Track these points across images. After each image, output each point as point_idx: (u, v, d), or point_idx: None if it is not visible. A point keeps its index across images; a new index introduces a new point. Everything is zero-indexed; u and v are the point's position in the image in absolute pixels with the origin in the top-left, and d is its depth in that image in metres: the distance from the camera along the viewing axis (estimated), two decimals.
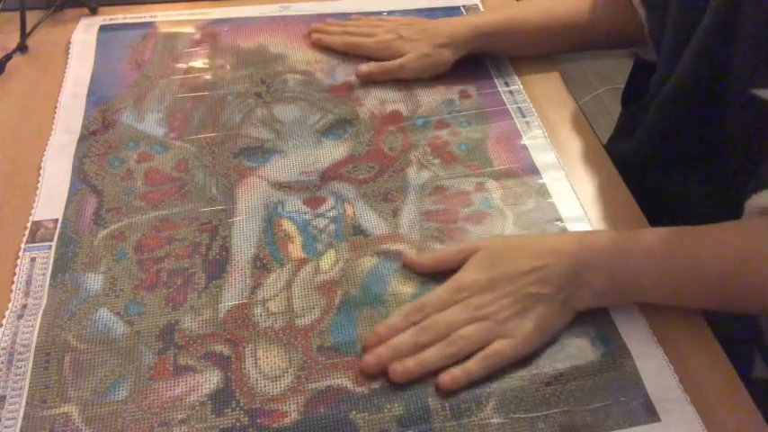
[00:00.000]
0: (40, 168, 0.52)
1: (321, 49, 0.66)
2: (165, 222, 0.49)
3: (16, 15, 0.64)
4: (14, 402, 0.39)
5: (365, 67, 0.62)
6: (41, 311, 0.43)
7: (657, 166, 0.59)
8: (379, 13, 0.71)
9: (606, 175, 0.56)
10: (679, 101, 0.53)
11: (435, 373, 0.41)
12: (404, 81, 0.63)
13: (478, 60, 0.66)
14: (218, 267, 0.47)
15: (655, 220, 0.51)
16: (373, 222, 0.50)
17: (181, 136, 0.56)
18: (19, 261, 0.46)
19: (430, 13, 0.71)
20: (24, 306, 0.44)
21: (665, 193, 0.59)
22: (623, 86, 0.80)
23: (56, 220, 0.49)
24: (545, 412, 0.40)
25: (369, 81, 0.62)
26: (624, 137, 0.64)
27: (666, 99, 0.54)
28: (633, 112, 0.62)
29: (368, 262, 0.47)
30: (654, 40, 0.58)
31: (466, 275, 0.44)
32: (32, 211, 0.49)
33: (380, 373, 0.41)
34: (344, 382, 0.41)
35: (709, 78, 0.50)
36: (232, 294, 0.45)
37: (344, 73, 0.63)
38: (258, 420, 0.39)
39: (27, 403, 0.39)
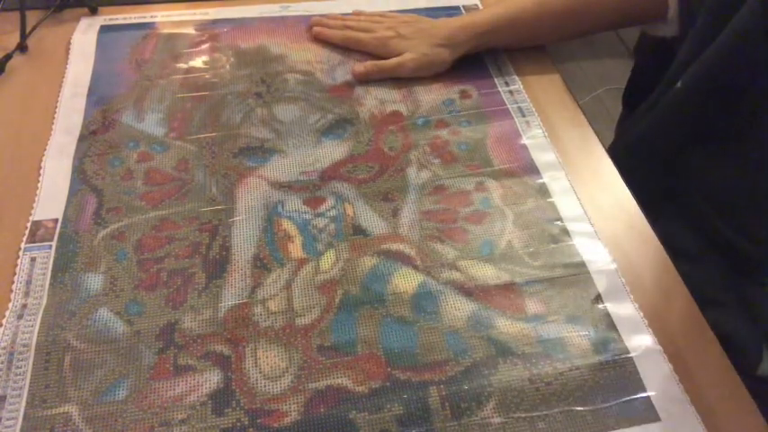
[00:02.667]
0: (40, 168, 0.52)
1: (321, 48, 0.66)
2: (165, 222, 0.49)
3: (16, 15, 0.64)
4: (14, 402, 0.39)
5: (361, 67, 0.62)
6: (41, 311, 0.43)
7: (689, 145, 0.58)
8: None
9: (606, 174, 0.56)
10: (718, 74, 0.52)
11: (435, 370, 0.41)
12: (403, 81, 0.63)
13: (478, 60, 0.66)
14: (218, 267, 0.47)
15: (660, 211, 0.51)
16: (373, 222, 0.50)
17: (181, 136, 0.56)
18: (19, 261, 0.46)
19: (430, 12, 0.71)
20: (24, 306, 0.44)
21: (694, 175, 0.58)
22: (623, 86, 0.81)
23: (56, 220, 0.49)
24: (545, 412, 0.40)
25: (366, 81, 0.62)
26: (629, 132, 0.64)
27: (702, 74, 0.53)
28: (661, 90, 0.60)
29: (368, 261, 0.47)
30: (683, 13, 0.57)
31: None
32: (32, 211, 0.49)
33: None
34: (344, 381, 0.41)
35: (754, 51, 0.48)
36: (232, 294, 0.45)
37: (344, 73, 0.63)
38: (258, 420, 0.39)
39: (27, 403, 0.39)
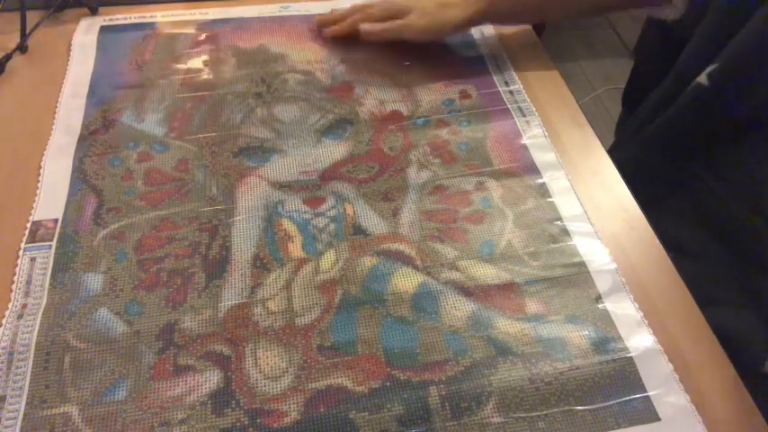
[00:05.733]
0: (40, 168, 0.52)
1: (321, 48, 0.66)
2: (165, 222, 0.49)
3: (16, 15, 0.64)
4: (14, 402, 0.39)
5: (368, 26, 0.61)
6: (41, 311, 0.43)
7: (715, 137, 0.57)
8: None
9: (606, 174, 0.56)
10: (749, 68, 0.51)
11: (435, 370, 0.41)
12: (403, 81, 0.63)
13: (478, 60, 0.66)
14: (218, 267, 0.47)
15: (664, 208, 0.50)
16: (373, 222, 0.50)
17: (181, 136, 0.56)
18: (19, 261, 0.46)
19: None
20: (24, 306, 0.44)
21: (716, 164, 0.57)
22: (623, 86, 0.81)
23: (56, 220, 0.49)
24: (545, 412, 0.40)
25: (370, 40, 0.61)
26: (628, 134, 0.64)
27: (730, 69, 0.52)
28: (675, 85, 0.60)
29: (368, 261, 0.47)
30: None
31: None
32: (32, 211, 0.49)
33: None
34: (344, 381, 0.41)
35: None
36: (232, 294, 0.45)
37: (344, 73, 0.63)
38: (258, 420, 0.39)
39: (27, 403, 0.39)
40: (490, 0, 0.62)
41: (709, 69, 0.54)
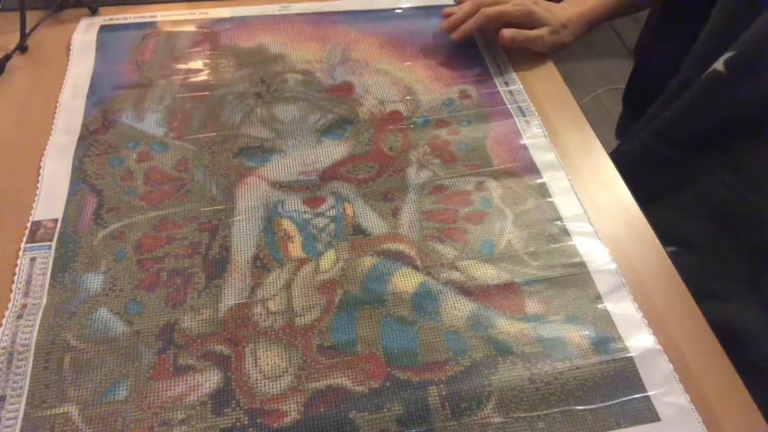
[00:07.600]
0: (40, 168, 0.52)
1: (321, 48, 0.66)
2: (164, 222, 0.49)
3: (16, 15, 0.64)
4: (14, 402, 0.39)
5: (510, 32, 0.64)
6: (41, 311, 0.43)
7: (731, 126, 0.57)
8: (381, 11, 0.71)
9: (606, 174, 0.56)
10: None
11: (435, 370, 0.41)
12: (404, 81, 0.63)
13: (479, 60, 0.66)
14: (217, 267, 0.47)
15: (670, 204, 0.49)
16: (373, 222, 0.50)
17: (181, 136, 0.56)
18: (19, 261, 0.46)
19: (432, 11, 0.72)
20: (24, 306, 0.44)
21: (729, 153, 0.57)
22: (623, 86, 0.81)
23: (56, 220, 0.49)
24: (545, 412, 0.40)
25: (510, 46, 0.65)
26: (629, 134, 0.64)
27: (749, 58, 0.52)
28: (688, 74, 0.60)
29: (368, 261, 0.47)
30: None
31: None
32: (32, 211, 0.49)
33: None
34: (344, 381, 0.41)
35: None
36: (232, 294, 0.45)
37: (344, 73, 0.63)
38: (258, 420, 0.39)
39: (27, 403, 0.39)
40: (589, 24, 0.68)
41: (726, 56, 0.53)
